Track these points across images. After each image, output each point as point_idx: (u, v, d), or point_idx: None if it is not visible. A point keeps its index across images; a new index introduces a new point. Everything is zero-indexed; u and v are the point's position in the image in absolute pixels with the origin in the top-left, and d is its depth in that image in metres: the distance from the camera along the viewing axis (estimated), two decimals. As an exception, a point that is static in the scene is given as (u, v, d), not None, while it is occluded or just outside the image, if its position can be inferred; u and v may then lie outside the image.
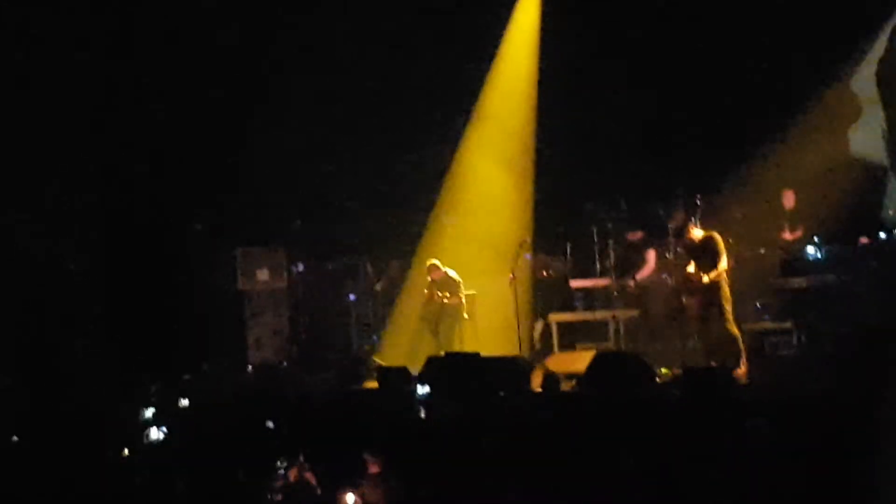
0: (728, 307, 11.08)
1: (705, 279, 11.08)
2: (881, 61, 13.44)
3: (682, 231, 11.61)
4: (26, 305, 12.66)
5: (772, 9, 13.00)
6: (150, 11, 13.76)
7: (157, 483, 7.44)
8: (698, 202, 11.98)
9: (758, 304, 12.39)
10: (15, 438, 8.46)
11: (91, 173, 13.63)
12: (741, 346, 11.01)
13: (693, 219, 11.60)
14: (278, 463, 7.40)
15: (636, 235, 13.49)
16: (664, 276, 12.71)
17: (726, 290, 11.12)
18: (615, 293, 13.05)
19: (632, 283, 13.00)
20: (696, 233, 11.38)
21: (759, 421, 7.24)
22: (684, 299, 11.74)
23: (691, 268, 11.30)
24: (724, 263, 11.13)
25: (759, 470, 6.62)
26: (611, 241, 13.24)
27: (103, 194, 13.79)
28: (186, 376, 11.89)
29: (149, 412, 9.23)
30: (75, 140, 13.39)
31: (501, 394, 9.98)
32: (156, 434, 8.56)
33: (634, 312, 12.97)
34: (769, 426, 7.17)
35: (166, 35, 13.73)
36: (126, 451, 8.24)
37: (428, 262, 13.64)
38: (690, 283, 11.38)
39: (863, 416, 7.06)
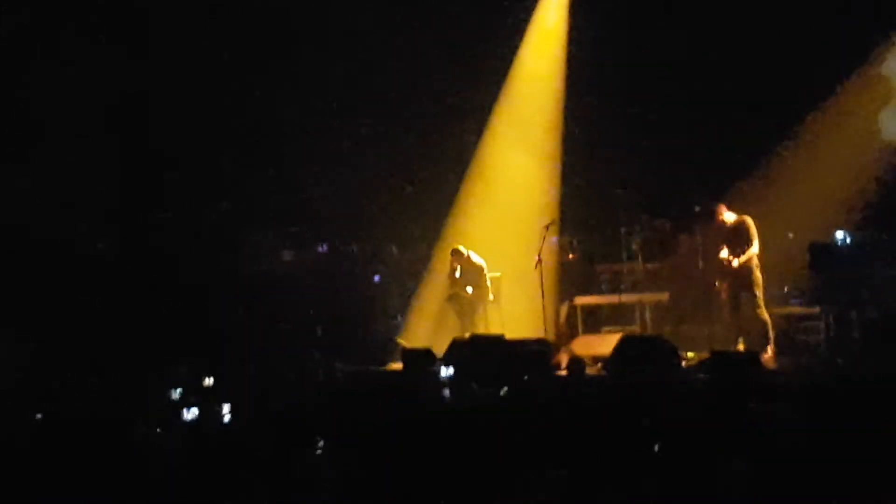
0: (759, 293, 11.07)
1: (735, 263, 11.03)
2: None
3: (712, 215, 11.52)
4: (51, 290, 12.70)
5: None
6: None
7: (194, 463, 7.45)
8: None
9: (785, 289, 12.32)
10: (39, 416, 8.46)
11: (111, 156, 13.62)
12: (770, 331, 11.01)
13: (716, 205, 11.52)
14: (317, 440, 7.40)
15: (664, 223, 13.43)
16: (695, 260, 12.64)
17: (758, 275, 11.10)
18: (642, 277, 13.01)
19: (661, 266, 12.97)
20: (728, 216, 11.31)
21: (773, 406, 7.20)
22: (717, 284, 11.69)
23: (724, 252, 11.24)
24: (755, 248, 11.07)
25: (783, 454, 6.58)
26: (638, 226, 13.18)
27: (126, 176, 13.81)
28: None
29: (176, 393, 9.26)
30: (94, 125, 13.40)
31: (526, 377, 9.97)
32: (189, 414, 8.58)
33: (661, 296, 12.92)
34: (789, 410, 7.14)
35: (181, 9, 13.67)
36: (158, 430, 8.25)
37: (451, 249, 13.62)
38: (722, 268, 11.33)
39: (890, 402, 7.02)
